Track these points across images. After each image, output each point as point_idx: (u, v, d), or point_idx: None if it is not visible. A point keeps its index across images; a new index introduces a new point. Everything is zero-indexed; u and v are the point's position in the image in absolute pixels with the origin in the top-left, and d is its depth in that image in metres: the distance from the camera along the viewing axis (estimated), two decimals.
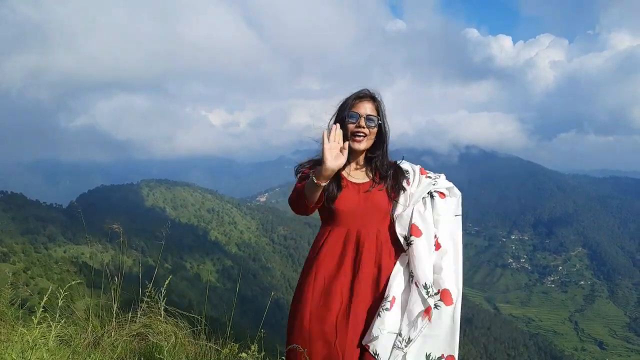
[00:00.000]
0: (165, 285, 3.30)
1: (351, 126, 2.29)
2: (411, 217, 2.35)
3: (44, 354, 2.27)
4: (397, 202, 2.42)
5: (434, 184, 2.42)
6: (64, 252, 66.92)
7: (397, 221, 2.39)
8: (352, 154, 2.36)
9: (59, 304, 2.67)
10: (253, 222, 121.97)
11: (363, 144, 2.31)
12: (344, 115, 2.30)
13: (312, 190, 2.17)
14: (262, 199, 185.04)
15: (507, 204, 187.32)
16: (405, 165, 2.48)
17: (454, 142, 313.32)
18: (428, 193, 2.40)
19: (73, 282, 2.93)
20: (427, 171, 2.49)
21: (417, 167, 2.48)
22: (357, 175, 2.41)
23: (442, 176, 2.48)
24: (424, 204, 2.39)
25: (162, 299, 3.29)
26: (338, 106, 2.37)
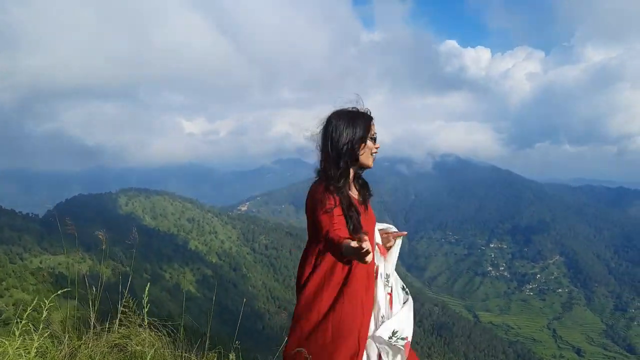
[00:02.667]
0: (146, 295, 3.26)
1: (372, 147, 2.45)
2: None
3: None
4: None
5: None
6: (40, 262, 65.45)
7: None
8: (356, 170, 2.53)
9: (44, 316, 2.61)
10: (234, 232, 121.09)
11: (372, 161, 2.50)
12: (366, 136, 2.42)
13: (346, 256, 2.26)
14: (244, 208, 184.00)
15: (485, 212, 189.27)
16: None
17: (430, 150, 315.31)
18: None
19: (58, 293, 2.88)
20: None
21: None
22: (353, 190, 2.51)
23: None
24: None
25: (145, 308, 3.25)
26: (357, 122, 2.41)
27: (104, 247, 3.43)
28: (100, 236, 3.47)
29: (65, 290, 3.11)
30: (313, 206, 2.34)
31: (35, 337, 2.53)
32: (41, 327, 2.68)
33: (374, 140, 2.44)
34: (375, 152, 2.45)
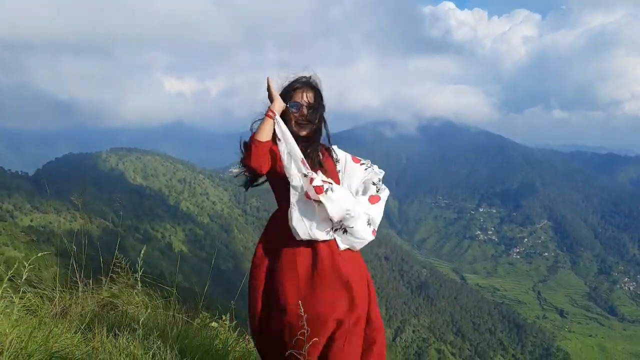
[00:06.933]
0: (140, 258, 3.27)
1: (295, 115, 2.37)
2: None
3: (7, 327, 2.22)
4: None
5: (374, 171, 2.53)
6: (31, 221, 65.36)
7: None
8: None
9: (25, 276, 2.60)
10: (225, 193, 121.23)
11: (306, 130, 2.41)
12: (285, 104, 2.37)
13: (264, 128, 2.28)
14: (235, 170, 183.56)
15: (476, 176, 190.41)
16: (339, 153, 2.56)
17: (418, 114, 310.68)
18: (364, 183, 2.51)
19: (43, 253, 2.86)
20: (359, 159, 2.58)
21: (349, 156, 2.56)
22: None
23: (375, 166, 2.57)
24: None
25: (139, 270, 3.25)
26: (281, 91, 2.42)
27: (80, 212, 3.41)
28: (75, 201, 3.45)
29: (47, 253, 3.09)
30: None
31: (16, 299, 2.52)
32: (22, 284, 2.68)
33: (295, 107, 2.36)
34: (301, 119, 2.37)
